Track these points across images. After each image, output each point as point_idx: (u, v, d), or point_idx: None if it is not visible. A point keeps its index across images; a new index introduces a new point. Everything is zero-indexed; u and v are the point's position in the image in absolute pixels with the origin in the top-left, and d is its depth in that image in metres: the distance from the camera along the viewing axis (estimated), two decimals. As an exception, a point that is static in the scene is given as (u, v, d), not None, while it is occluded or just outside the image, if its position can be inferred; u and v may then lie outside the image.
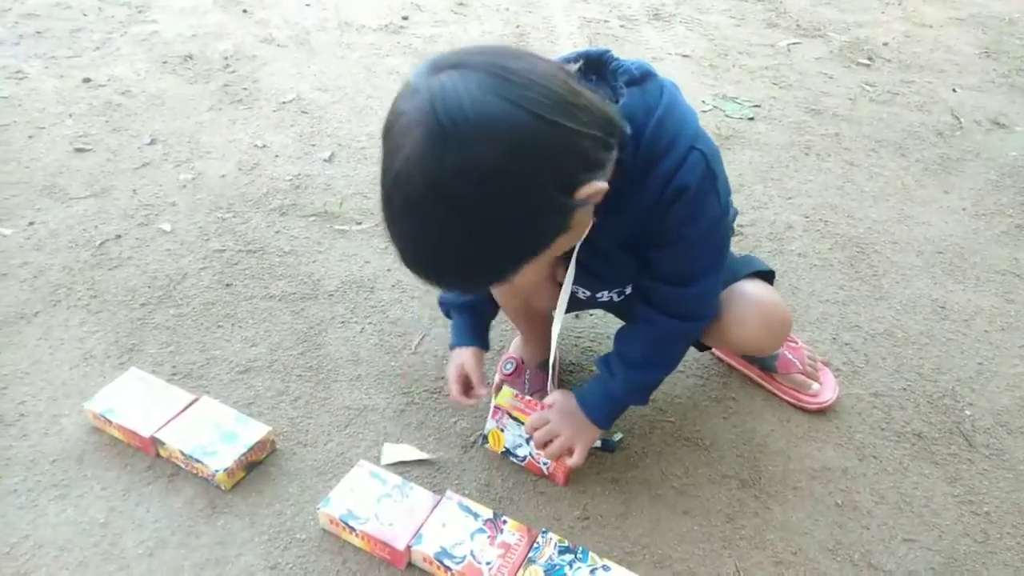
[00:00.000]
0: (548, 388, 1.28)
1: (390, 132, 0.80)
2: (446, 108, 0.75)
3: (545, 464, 1.21)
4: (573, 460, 1.17)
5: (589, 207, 0.89)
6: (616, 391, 1.17)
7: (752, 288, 1.18)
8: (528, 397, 1.26)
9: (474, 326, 1.29)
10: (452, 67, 0.78)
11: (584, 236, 1.01)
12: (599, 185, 0.85)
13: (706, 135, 0.99)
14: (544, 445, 1.19)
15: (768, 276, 1.24)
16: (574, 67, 0.95)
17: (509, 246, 0.84)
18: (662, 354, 1.17)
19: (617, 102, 0.93)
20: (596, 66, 0.97)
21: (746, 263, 1.22)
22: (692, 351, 1.36)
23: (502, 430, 1.23)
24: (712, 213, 1.01)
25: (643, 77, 0.95)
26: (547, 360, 1.35)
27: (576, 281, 1.09)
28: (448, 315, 1.32)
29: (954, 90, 2.54)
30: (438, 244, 0.83)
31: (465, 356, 1.26)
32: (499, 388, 1.30)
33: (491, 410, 1.23)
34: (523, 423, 1.21)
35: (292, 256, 1.65)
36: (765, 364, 1.39)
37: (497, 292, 1.24)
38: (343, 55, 2.52)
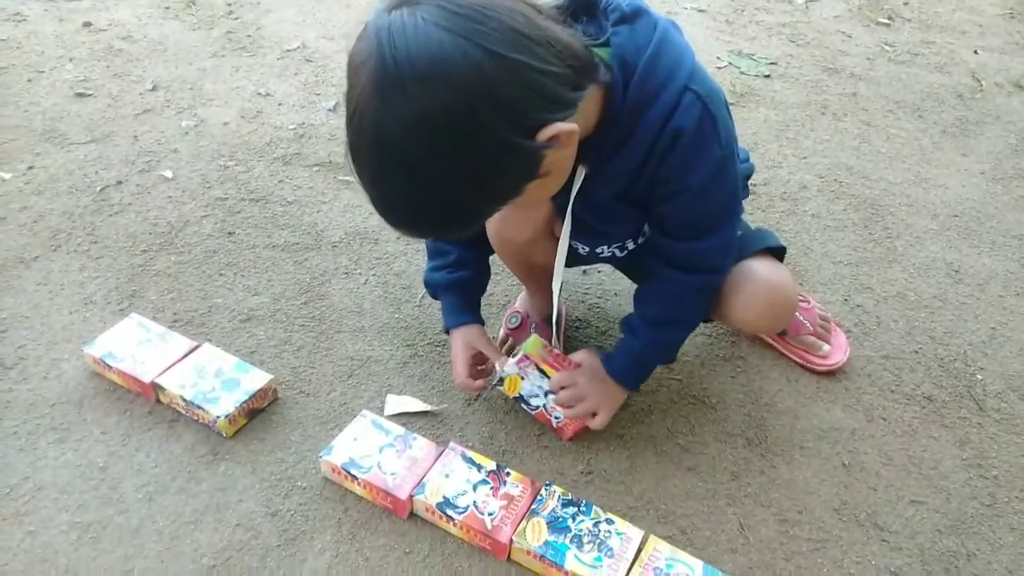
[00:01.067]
0: (552, 343, 1.26)
1: (348, 74, 0.77)
2: (393, 48, 0.72)
3: (557, 419, 1.19)
4: (596, 423, 1.16)
5: (563, 152, 0.84)
6: (641, 352, 1.15)
7: (761, 268, 1.12)
8: (557, 351, 1.23)
9: (470, 303, 1.25)
10: (405, 3, 0.74)
11: (573, 187, 0.97)
12: (564, 126, 0.79)
13: (704, 75, 0.92)
14: (567, 405, 1.17)
15: (779, 252, 1.18)
16: (552, 4, 0.89)
17: (470, 195, 0.81)
18: (683, 311, 1.14)
19: (607, 43, 0.88)
20: (586, 7, 0.92)
21: (758, 238, 1.17)
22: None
23: (522, 377, 1.20)
24: (713, 158, 0.94)
25: (634, 14, 0.89)
26: (548, 316, 1.34)
27: (573, 236, 1.06)
28: (436, 296, 1.27)
29: (976, 52, 2.47)
30: (396, 194, 0.80)
31: (472, 335, 1.22)
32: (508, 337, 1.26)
33: (519, 356, 1.20)
34: (548, 376, 1.19)
35: (295, 206, 1.62)
36: (775, 324, 1.36)
37: (497, 247, 1.21)
38: (349, 3, 2.45)
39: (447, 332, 1.25)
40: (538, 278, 1.29)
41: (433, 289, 1.26)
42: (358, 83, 0.74)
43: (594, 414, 1.17)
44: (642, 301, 1.14)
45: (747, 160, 1.24)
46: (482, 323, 1.26)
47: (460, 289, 1.24)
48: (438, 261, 1.23)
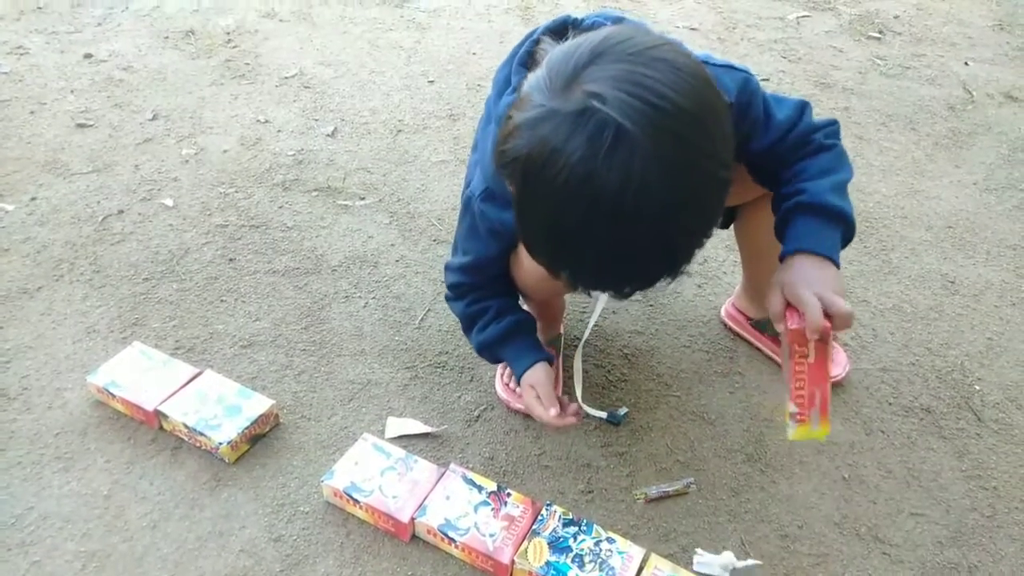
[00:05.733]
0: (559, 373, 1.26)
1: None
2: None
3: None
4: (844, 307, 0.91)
5: None
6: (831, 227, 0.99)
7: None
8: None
9: (536, 341, 1.20)
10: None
11: None
12: None
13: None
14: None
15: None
16: (548, 42, 0.94)
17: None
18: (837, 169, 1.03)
19: None
20: (563, 34, 0.96)
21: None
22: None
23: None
24: (758, 91, 1.03)
25: (618, 22, 0.97)
26: (557, 336, 1.35)
27: None
28: (497, 355, 1.20)
29: (966, 63, 2.49)
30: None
31: (547, 371, 1.14)
32: None
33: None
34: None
35: (295, 231, 1.64)
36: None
37: (530, 290, 1.17)
38: (345, 30, 2.49)
39: (519, 381, 1.16)
40: (551, 306, 1.32)
41: (491, 345, 1.17)
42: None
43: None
44: (801, 178, 1.01)
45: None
46: (551, 360, 1.18)
47: (520, 329, 1.17)
48: (481, 321, 1.17)
